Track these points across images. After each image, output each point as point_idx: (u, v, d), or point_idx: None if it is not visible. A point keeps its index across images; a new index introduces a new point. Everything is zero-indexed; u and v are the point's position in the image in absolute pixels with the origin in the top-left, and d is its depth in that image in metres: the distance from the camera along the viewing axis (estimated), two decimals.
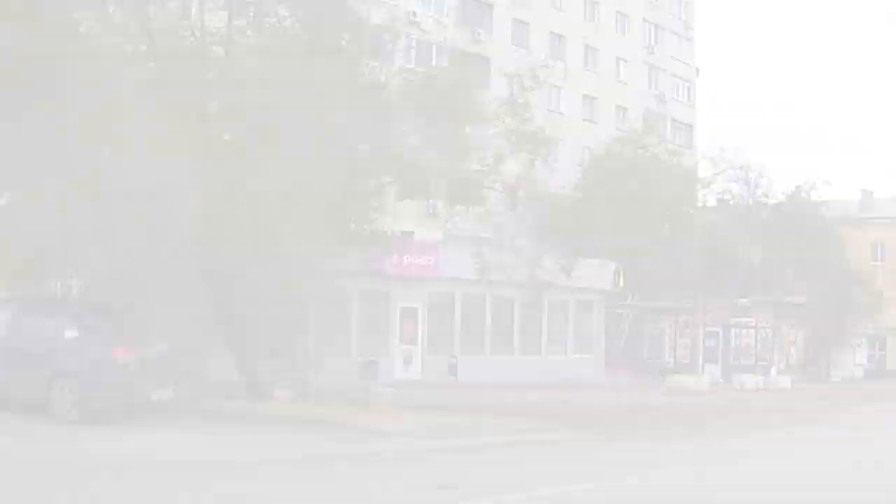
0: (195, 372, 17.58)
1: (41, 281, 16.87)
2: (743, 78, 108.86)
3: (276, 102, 15.11)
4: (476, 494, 9.63)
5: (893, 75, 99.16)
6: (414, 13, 36.76)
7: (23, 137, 14.99)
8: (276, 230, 15.33)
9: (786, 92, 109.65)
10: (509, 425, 17.47)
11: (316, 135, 15.06)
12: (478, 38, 44.07)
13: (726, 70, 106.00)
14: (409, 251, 27.56)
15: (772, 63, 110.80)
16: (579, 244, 23.74)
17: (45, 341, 14.29)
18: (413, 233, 29.76)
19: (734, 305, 40.07)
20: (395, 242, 22.93)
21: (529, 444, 15.28)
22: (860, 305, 46.91)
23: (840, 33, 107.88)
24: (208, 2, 17.74)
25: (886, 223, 54.24)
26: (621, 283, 35.12)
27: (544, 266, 22.87)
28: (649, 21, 54.50)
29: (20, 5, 15.34)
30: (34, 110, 14.65)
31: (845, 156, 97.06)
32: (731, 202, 46.76)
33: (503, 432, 16.27)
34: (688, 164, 50.55)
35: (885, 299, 49.70)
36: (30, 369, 14.06)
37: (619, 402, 24.03)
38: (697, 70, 58.03)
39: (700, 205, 47.27)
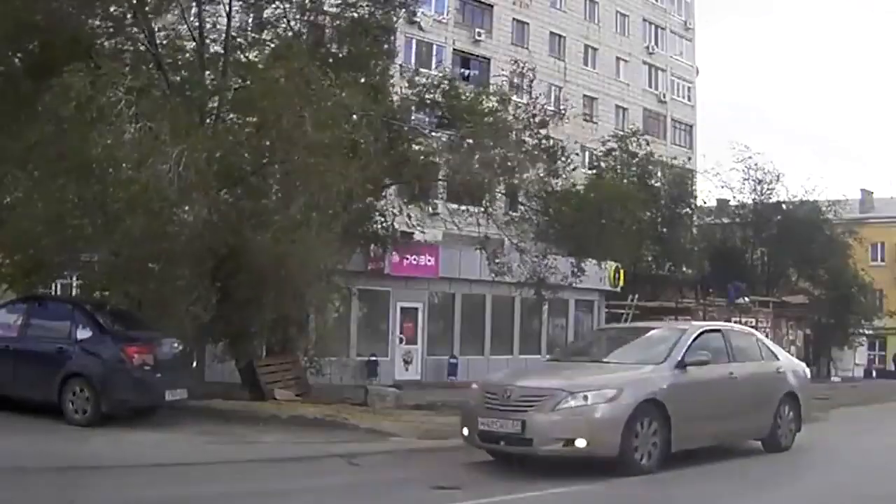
0: (198, 371, 17.67)
1: (44, 280, 16.82)
2: (743, 78, 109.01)
3: (281, 104, 15.08)
4: (476, 494, 9.63)
5: (894, 75, 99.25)
6: (414, 13, 36.73)
7: (26, 139, 15.04)
8: (278, 229, 15.34)
9: (786, 92, 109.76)
10: None
11: (322, 138, 15.03)
12: (478, 38, 44.11)
13: (726, 70, 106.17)
14: (409, 251, 27.61)
15: (772, 63, 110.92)
16: (580, 244, 23.72)
17: (57, 342, 14.06)
18: (413, 233, 29.80)
19: (734, 305, 40.05)
20: (395, 242, 22.98)
21: None
22: (860, 306, 46.97)
23: (840, 33, 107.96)
24: (208, 3, 17.83)
25: (886, 223, 54.29)
26: (621, 283, 35.15)
27: (553, 267, 22.96)
28: (649, 21, 54.57)
29: (23, 7, 15.36)
30: (37, 111, 14.68)
31: (845, 156, 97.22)
32: (731, 202, 46.83)
33: None
34: (687, 164, 50.69)
35: (885, 300, 49.80)
36: (42, 370, 13.81)
37: None
38: (697, 70, 58.08)
39: (700, 205, 47.28)
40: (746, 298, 40.78)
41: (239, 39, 18.68)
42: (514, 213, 23.85)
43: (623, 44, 52.62)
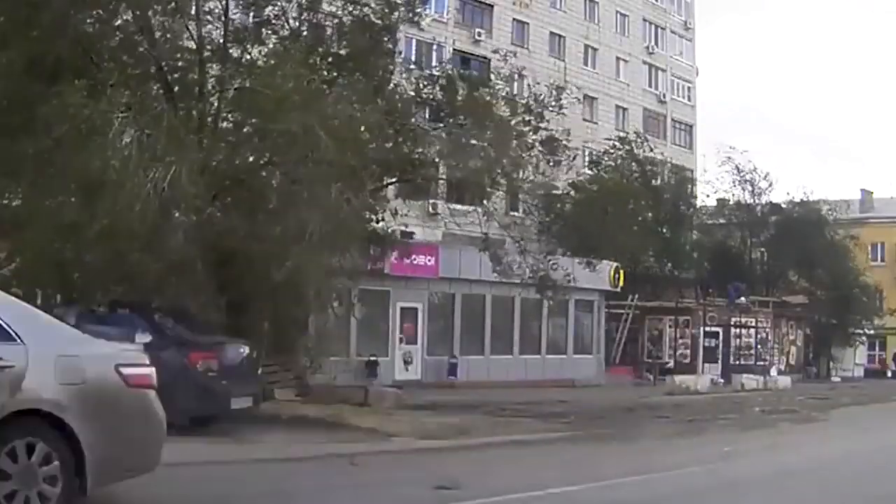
0: None
1: (49, 285, 16.77)
2: (743, 78, 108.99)
3: (280, 104, 15.07)
4: (476, 494, 9.62)
5: (894, 75, 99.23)
6: (415, 14, 36.66)
7: (24, 149, 15.04)
8: (279, 228, 15.33)
9: (786, 92, 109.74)
10: (509, 425, 17.50)
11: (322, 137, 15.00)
12: (478, 38, 44.11)
13: (726, 70, 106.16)
14: (409, 251, 27.60)
15: (772, 63, 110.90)
16: (584, 241, 23.72)
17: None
18: (413, 233, 29.79)
19: (734, 305, 40.07)
20: (395, 242, 22.95)
21: (529, 444, 15.28)
22: (860, 305, 46.98)
23: (839, 34, 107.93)
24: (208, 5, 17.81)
25: (886, 223, 54.30)
26: (621, 283, 35.15)
27: (555, 264, 22.93)
28: (649, 21, 54.56)
29: (26, 11, 15.35)
30: (37, 122, 14.67)
31: (845, 156, 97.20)
32: (731, 202, 46.86)
33: (503, 432, 16.28)
34: (687, 164, 50.72)
35: (885, 299, 49.79)
36: None
37: (618, 401, 24.05)
38: (697, 70, 58.10)
39: (700, 205, 47.35)
40: (745, 298, 40.78)
41: (239, 38, 18.63)
42: (515, 213, 23.83)
43: (623, 44, 52.62)
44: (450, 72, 22.95)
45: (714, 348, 40.19)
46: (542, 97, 21.39)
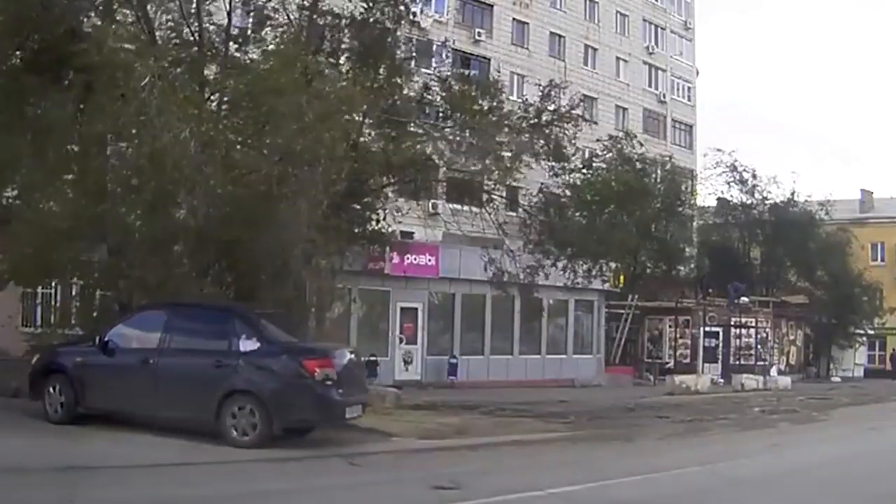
0: None
1: (48, 277, 16.74)
2: (743, 77, 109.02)
3: (281, 99, 15.04)
4: (476, 494, 9.62)
5: (894, 76, 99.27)
6: (413, 13, 36.68)
7: (29, 134, 15.06)
8: (279, 228, 15.29)
9: (786, 92, 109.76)
10: (509, 425, 17.50)
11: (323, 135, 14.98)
12: (478, 38, 44.11)
13: (726, 70, 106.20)
14: (409, 251, 27.60)
15: (772, 63, 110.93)
16: (581, 245, 23.62)
17: (212, 354, 12.53)
18: (413, 233, 29.79)
19: (734, 305, 40.07)
20: (395, 242, 22.94)
21: (529, 444, 15.28)
22: (860, 305, 47.00)
23: (839, 34, 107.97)
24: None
25: (886, 223, 54.33)
26: (621, 283, 35.14)
27: (543, 267, 22.89)
28: (649, 21, 54.55)
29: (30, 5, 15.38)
30: (42, 106, 14.68)
31: (844, 156, 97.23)
32: (730, 202, 46.88)
33: (503, 432, 16.28)
34: (687, 164, 50.66)
35: (885, 299, 49.80)
36: (194, 387, 12.34)
37: (618, 401, 24.06)
38: (697, 70, 58.10)
39: (700, 205, 47.33)
40: (745, 298, 40.78)
41: (240, 37, 18.62)
42: (512, 213, 23.78)
43: (623, 44, 52.60)
44: (451, 74, 22.89)
45: (714, 348, 40.19)
46: (559, 107, 21.35)
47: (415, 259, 28.17)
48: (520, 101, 23.03)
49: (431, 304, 29.84)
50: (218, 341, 12.77)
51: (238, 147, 15.81)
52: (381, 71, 19.46)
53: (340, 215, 18.02)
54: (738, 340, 40.60)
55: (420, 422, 16.22)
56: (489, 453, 13.79)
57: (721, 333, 40.39)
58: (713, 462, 12.41)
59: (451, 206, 24.57)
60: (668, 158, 44.40)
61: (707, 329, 39.87)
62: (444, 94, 21.05)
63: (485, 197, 22.17)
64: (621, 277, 34.67)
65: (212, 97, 16.88)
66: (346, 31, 19.45)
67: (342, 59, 19.31)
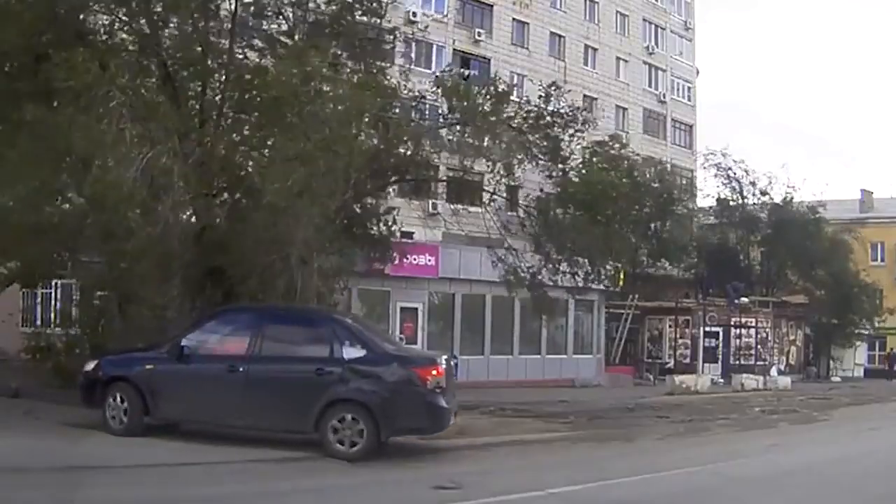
0: None
1: (41, 280, 16.74)
2: (743, 77, 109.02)
3: (282, 100, 15.03)
4: (476, 494, 9.63)
5: (894, 76, 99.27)
6: (413, 13, 36.73)
7: (25, 136, 15.02)
8: (279, 229, 15.28)
9: (785, 92, 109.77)
10: (509, 425, 17.50)
11: (324, 136, 14.96)
12: (478, 38, 44.12)
13: (726, 70, 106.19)
14: (409, 251, 27.58)
15: (771, 63, 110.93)
16: (580, 245, 23.60)
17: (312, 362, 12.14)
18: (413, 233, 29.77)
19: (734, 305, 40.07)
20: (395, 243, 22.92)
21: (529, 444, 15.28)
22: (860, 305, 46.98)
23: (839, 33, 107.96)
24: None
25: (886, 223, 54.31)
26: (621, 283, 35.12)
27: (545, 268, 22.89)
28: (649, 21, 54.55)
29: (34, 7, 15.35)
30: (39, 108, 14.65)
31: (844, 156, 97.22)
32: (730, 202, 46.87)
33: (503, 432, 16.27)
34: (687, 164, 50.70)
35: (885, 299, 49.79)
36: (292, 396, 11.99)
37: (618, 401, 24.06)
38: (697, 70, 58.09)
39: (699, 206, 47.34)
40: (745, 298, 40.78)
41: (243, 37, 18.63)
42: (512, 213, 23.78)
43: (623, 44, 52.60)
44: (449, 73, 22.89)
45: (714, 348, 40.21)
46: (572, 110, 21.36)
47: (415, 259, 28.15)
48: (520, 101, 23.00)
49: (431, 304, 29.83)
50: (317, 347, 12.42)
51: (241, 150, 15.83)
52: (375, 71, 19.50)
53: (342, 217, 18.03)
54: (738, 340, 40.61)
55: None
56: (489, 453, 13.79)
57: (721, 333, 40.40)
58: (713, 462, 12.41)
59: (451, 206, 24.60)
60: (658, 161, 44.35)
61: (707, 329, 39.88)
62: (444, 94, 21.06)
63: (485, 197, 22.19)
64: (622, 276, 34.62)
65: (212, 110, 16.88)
66: (339, 26, 19.42)
67: (342, 59, 19.32)
